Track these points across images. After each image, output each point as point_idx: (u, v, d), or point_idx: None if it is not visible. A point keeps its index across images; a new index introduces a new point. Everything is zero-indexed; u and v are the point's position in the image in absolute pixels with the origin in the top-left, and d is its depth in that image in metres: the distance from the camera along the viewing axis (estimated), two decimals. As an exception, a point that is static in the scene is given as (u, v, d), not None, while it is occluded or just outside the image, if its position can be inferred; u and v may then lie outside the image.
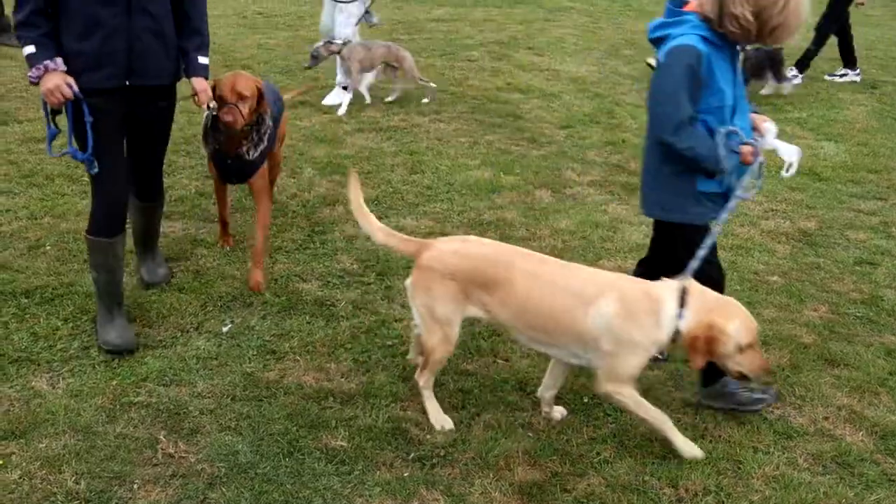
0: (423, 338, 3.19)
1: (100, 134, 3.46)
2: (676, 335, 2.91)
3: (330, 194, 5.39)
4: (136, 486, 2.85)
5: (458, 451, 3.09)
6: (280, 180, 5.31)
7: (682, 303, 2.90)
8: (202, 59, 3.73)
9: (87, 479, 2.86)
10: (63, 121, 3.50)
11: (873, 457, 3.18)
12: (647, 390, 3.28)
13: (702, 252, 3.03)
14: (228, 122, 3.93)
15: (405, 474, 2.97)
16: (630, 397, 3.01)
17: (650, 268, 3.42)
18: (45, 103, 3.45)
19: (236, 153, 4.14)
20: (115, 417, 3.19)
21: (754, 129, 3.20)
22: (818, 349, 3.87)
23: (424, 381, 3.24)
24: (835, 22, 8.88)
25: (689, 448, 3.08)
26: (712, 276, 3.15)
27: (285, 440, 3.10)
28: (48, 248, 4.48)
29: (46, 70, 3.32)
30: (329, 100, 7.43)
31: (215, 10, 11.13)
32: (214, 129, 4.10)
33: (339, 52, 7.08)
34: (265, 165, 4.32)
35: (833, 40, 9.01)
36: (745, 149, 3.07)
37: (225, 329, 3.83)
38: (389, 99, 7.38)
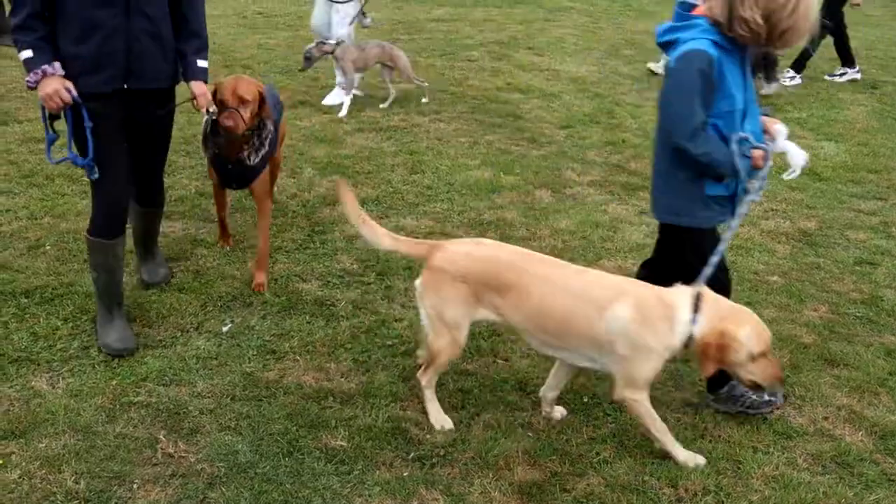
0: (429, 339, 3.17)
1: (99, 138, 3.43)
2: (689, 341, 2.90)
3: (330, 194, 5.39)
4: (135, 486, 2.86)
5: (457, 451, 3.10)
6: (280, 180, 5.32)
7: (696, 309, 2.89)
8: (201, 63, 3.68)
9: (87, 479, 2.86)
10: (61, 125, 3.47)
11: (873, 457, 3.18)
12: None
13: (715, 258, 3.02)
14: (229, 126, 3.88)
15: (405, 474, 2.97)
16: (645, 406, 3.01)
17: (654, 270, 3.42)
18: (43, 108, 3.40)
19: (237, 158, 4.10)
20: (114, 417, 3.19)
21: (765, 131, 3.19)
22: (818, 349, 3.87)
23: (427, 380, 3.24)
24: (830, 21, 8.87)
25: (691, 460, 3.07)
26: (720, 279, 3.15)
27: (285, 440, 3.10)
28: (48, 248, 4.48)
29: (44, 74, 3.28)
30: (329, 100, 7.44)
31: (215, 10, 11.19)
32: (214, 134, 4.05)
33: (332, 53, 7.07)
34: (266, 170, 4.29)
35: (829, 40, 9.01)
36: (757, 153, 3.05)
37: (225, 329, 3.83)
38: (384, 105, 7.37)
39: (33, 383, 3.37)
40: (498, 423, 3.26)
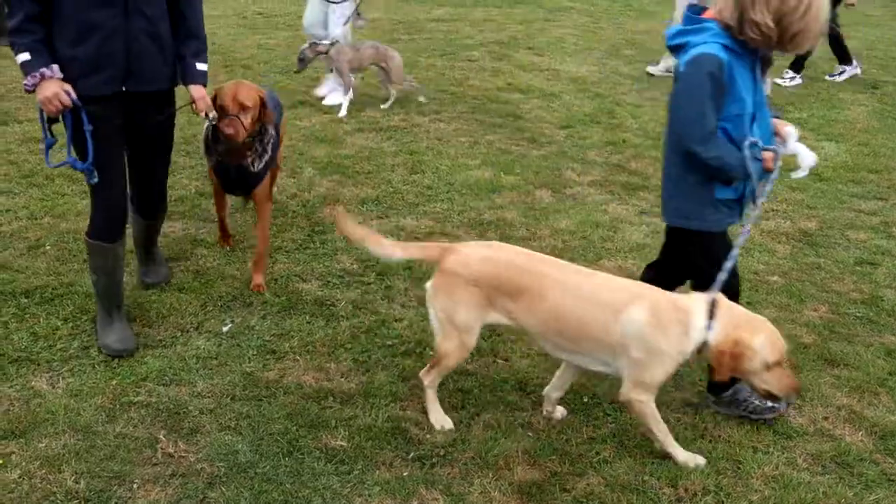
0: (438, 342, 3.16)
1: (99, 141, 3.38)
2: (703, 347, 2.89)
3: (330, 194, 5.40)
4: (135, 486, 2.86)
5: (457, 451, 3.09)
6: (280, 180, 5.31)
7: (711, 315, 2.88)
8: (200, 66, 3.63)
9: (87, 479, 2.86)
10: (59, 129, 3.43)
11: (872, 457, 3.18)
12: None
13: (729, 263, 3.02)
14: (230, 134, 3.82)
15: (405, 474, 2.97)
16: (651, 408, 3.00)
17: (660, 272, 3.42)
18: (41, 112, 3.35)
19: (241, 164, 4.04)
20: (114, 417, 3.19)
21: (776, 134, 3.18)
22: (818, 349, 3.87)
23: (430, 381, 3.23)
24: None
25: (691, 460, 3.07)
26: (730, 283, 3.13)
27: (285, 440, 3.10)
28: (48, 248, 4.48)
29: (43, 77, 3.23)
30: (329, 100, 7.44)
31: (215, 11, 11.20)
32: (216, 141, 4.01)
33: (326, 53, 7.06)
34: (268, 175, 4.27)
35: (824, 40, 9.00)
36: (768, 155, 3.05)
37: (225, 329, 3.83)
38: (384, 106, 7.37)
39: (33, 383, 3.37)
40: (498, 423, 3.26)
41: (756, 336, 2.85)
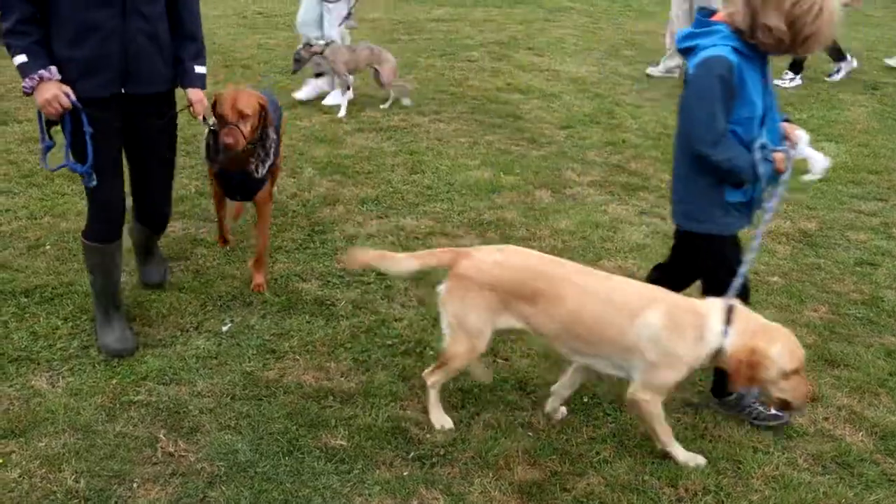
0: (446, 344, 3.15)
1: (97, 144, 3.34)
2: (719, 352, 2.88)
3: (330, 194, 5.40)
4: (135, 485, 2.86)
5: (457, 451, 3.09)
6: (280, 180, 5.31)
7: (728, 321, 2.87)
8: (199, 69, 3.59)
9: (87, 478, 2.86)
10: (57, 132, 3.40)
11: (873, 457, 3.18)
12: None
13: (744, 268, 3.01)
14: (229, 144, 3.75)
15: (405, 473, 2.97)
16: (657, 409, 3.00)
17: (667, 274, 3.41)
18: (40, 115, 3.32)
19: (243, 170, 4.00)
20: (114, 416, 3.19)
21: (786, 137, 3.17)
22: (818, 349, 3.87)
23: (433, 381, 3.22)
24: None
25: (691, 460, 3.07)
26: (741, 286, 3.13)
27: (285, 439, 3.10)
28: (48, 247, 4.48)
29: (41, 79, 3.19)
30: (329, 100, 7.45)
31: (215, 10, 11.20)
32: (216, 150, 3.91)
33: (321, 53, 7.05)
34: (269, 180, 4.25)
35: None
36: (779, 156, 3.04)
37: (225, 328, 3.83)
38: (384, 106, 7.37)
39: (33, 382, 3.36)
40: (498, 423, 3.26)
41: (773, 345, 2.82)
